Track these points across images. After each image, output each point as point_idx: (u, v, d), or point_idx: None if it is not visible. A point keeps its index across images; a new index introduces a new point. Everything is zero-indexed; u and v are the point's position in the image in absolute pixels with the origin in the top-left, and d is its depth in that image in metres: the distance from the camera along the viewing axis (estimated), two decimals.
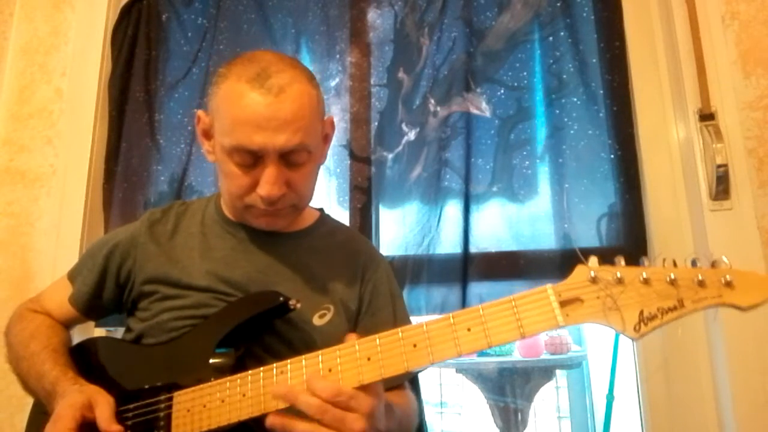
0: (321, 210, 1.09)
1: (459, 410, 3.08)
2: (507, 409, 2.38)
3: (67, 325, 1.01)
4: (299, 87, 0.84)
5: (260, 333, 0.87)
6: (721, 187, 1.23)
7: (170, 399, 0.81)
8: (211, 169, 1.58)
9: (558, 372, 2.62)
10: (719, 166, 1.22)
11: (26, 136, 1.67)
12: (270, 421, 0.71)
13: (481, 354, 2.46)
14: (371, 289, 0.98)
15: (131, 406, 0.82)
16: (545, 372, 2.47)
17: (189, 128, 1.61)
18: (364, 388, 0.71)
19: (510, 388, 2.40)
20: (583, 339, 2.68)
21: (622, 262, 0.68)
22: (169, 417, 0.80)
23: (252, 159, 0.83)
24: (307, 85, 0.86)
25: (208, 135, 0.93)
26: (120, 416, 0.79)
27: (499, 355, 2.43)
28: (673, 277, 0.65)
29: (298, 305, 0.85)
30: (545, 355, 2.42)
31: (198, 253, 0.95)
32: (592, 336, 2.64)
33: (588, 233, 1.36)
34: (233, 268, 0.93)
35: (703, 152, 1.27)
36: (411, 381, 1.01)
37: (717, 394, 1.22)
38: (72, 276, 1.02)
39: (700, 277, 0.64)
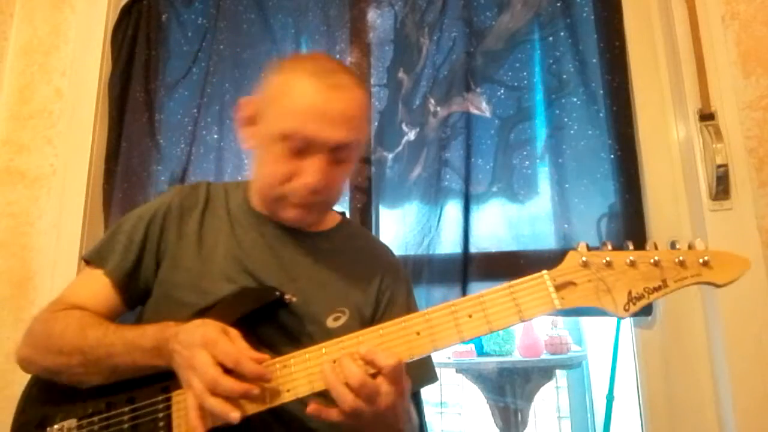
0: (342, 214, 1.07)
1: (459, 410, 3.08)
2: (507, 409, 2.38)
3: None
4: (359, 90, 0.88)
5: (255, 326, 0.84)
6: (721, 187, 1.23)
7: (169, 399, 0.79)
8: (212, 169, 1.58)
9: (558, 372, 2.63)
10: (719, 166, 1.22)
11: (26, 136, 1.68)
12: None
13: (481, 354, 2.46)
14: (388, 297, 0.97)
15: (126, 408, 0.80)
16: (545, 372, 2.47)
17: (189, 128, 1.61)
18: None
19: (510, 388, 2.40)
20: (583, 339, 2.68)
21: (609, 247, 0.74)
22: (169, 418, 0.78)
23: (301, 147, 0.83)
24: (364, 91, 0.90)
25: (250, 121, 0.91)
26: (116, 419, 0.78)
27: (499, 355, 2.43)
28: (656, 259, 0.71)
29: (294, 299, 0.84)
30: (545, 355, 2.42)
31: (222, 251, 0.92)
32: (592, 336, 2.64)
33: (588, 233, 1.35)
34: (255, 261, 0.92)
35: (703, 152, 1.27)
36: (413, 396, 0.96)
37: (717, 394, 1.22)
38: (100, 258, 0.92)
39: (680, 258, 0.71)
